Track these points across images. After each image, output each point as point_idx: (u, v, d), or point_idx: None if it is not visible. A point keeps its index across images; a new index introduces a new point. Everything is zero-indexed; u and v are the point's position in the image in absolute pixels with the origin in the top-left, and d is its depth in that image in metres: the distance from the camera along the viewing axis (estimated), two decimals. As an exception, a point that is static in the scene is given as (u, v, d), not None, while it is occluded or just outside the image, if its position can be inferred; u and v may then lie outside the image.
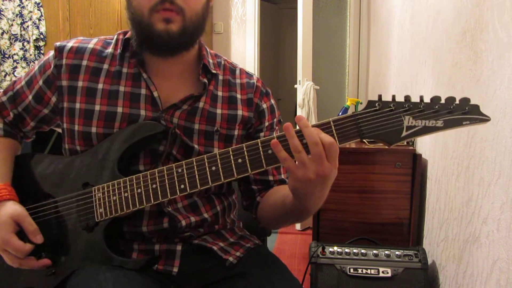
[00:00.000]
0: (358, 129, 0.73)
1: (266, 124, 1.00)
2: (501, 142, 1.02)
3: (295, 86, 3.21)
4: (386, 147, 0.72)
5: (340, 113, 2.33)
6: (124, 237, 0.90)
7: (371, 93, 3.39)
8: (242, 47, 3.78)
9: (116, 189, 0.84)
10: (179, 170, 0.80)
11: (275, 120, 1.02)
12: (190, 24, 0.85)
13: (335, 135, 0.73)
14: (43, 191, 0.91)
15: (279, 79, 5.16)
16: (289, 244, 2.75)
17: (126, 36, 0.93)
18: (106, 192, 0.84)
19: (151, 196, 0.81)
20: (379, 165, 1.79)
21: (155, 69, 0.93)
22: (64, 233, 0.87)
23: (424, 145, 1.75)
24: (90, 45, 0.94)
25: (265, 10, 4.39)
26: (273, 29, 4.97)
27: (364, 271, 1.44)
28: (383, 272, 1.43)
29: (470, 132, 1.22)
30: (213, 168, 0.78)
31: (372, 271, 1.44)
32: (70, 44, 0.94)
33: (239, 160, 0.77)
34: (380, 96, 0.74)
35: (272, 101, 1.02)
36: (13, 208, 0.85)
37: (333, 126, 0.74)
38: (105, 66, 0.92)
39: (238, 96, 0.97)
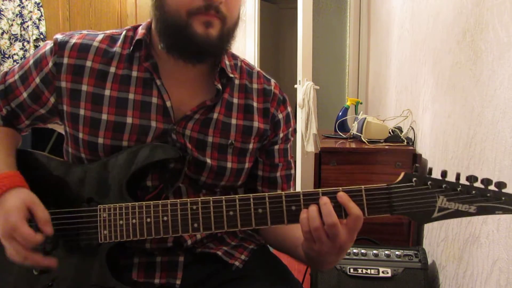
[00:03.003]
0: (390, 204, 0.71)
1: (281, 135, 0.95)
2: (501, 142, 1.02)
3: (295, 86, 3.21)
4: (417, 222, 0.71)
5: (340, 113, 2.32)
6: (124, 252, 0.86)
7: (371, 93, 3.39)
8: (242, 47, 3.78)
9: (124, 213, 0.79)
10: (194, 208, 0.76)
11: (290, 129, 0.97)
12: (227, 31, 0.82)
13: (364, 205, 0.71)
14: (44, 198, 0.84)
15: (279, 79, 5.13)
16: (289, 244, 2.74)
17: (138, 37, 0.85)
18: (112, 214, 0.79)
19: (161, 228, 0.77)
20: (379, 165, 1.79)
21: (168, 74, 0.86)
22: (65, 247, 0.83)
23: (424, 145, 1.75)
24: (95, 43, 0.86)
25: (265, 10, 4.39)
26: (273, 29, 4.97)
27: (364, 271, 1.44)
28: (383, 272, 1.43)
29: (470, 132, 1.22)
30: (231, 213, 0.75)
31: (372, 271, 1.44)
32: (74, 40, 0.86)
33: (260, 211, 0.74)
34: (416, 168, 0.71)
35: (289, 109, 0.96)
36: (26, 193, 0.80)
37: (364, 196, 0.71)
38: (112, 69, 0.85)
39: (255, 104, 0.91)
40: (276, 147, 0.95)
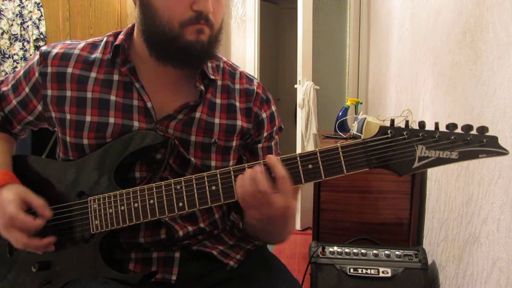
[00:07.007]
0: (367, 158, 0.71)
1: (265, 134, 0.95)
2: (501, 142, 1.01)
3: (295, 86, 3.21)
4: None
5: (340, 113, 2.32)
6: (120, 247, 0.88)
7: (371, 93, 3.39)
8: (242, 47, 3.78)
9: (112, 202, 0.82)
10: (178, 187, 0.78)
11: (274, 128, 0.98)
12: (215, 37, 0.85)
13: (342, 162, 0.71)
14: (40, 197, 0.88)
15: (279, 79, 5.16)
16: (289, 244, 2.75)
17: (117, 43, 0.88)
18: (102, 204, 0.83)
19: (148, 211, 0.80)
20: (379, 165, 1.78)
21: (149, 77, 0.88)
22: (60, 242, 0.85)
23: (424, 145, 1.75)
24: (76, 51, 0.89)
25: (265, 10, 4.39)
26: (273, 29, 4.97)
27: (364, 271, 1.44)
28: (383, 272, 1.43)
29: (470, 132, 1.22)
30: (213, 187, 0.77)
31: (372, 271, 1.44)
32: (56, 50, 0.90)
33: None
34: (392, 122, 0.70)
35: (273, 108, 0.97)
36: (18, 187, 0.85)
37: (341, 153, 0.71)
38: (93, 74, 0.88)
39: (237, 104, 0.92)
40: (260, 145, 0.96)
